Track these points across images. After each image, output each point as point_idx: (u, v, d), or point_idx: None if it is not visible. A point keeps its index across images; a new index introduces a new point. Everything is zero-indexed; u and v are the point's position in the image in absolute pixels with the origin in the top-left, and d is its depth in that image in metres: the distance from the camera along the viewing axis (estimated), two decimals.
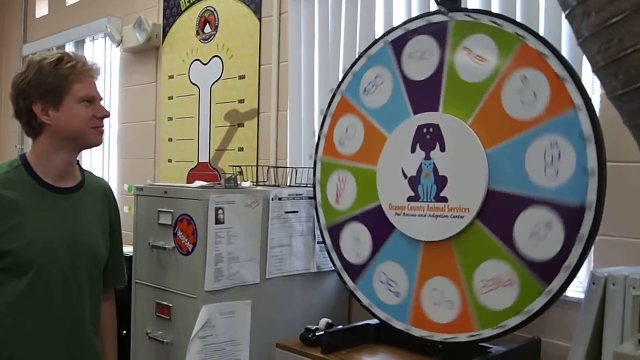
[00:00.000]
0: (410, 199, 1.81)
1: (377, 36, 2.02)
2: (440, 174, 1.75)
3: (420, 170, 1.79)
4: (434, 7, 2.11)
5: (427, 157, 1.77)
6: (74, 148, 1.73)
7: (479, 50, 1.69)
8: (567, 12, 1.06)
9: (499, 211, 1.63)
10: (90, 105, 1.69)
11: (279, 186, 2.29)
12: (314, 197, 2.11)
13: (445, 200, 1.73)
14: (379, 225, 1.89)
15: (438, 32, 1.79)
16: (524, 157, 1.59)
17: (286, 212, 2.11)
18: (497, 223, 1.64)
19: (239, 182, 2.08)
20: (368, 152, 1.94)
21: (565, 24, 1.73)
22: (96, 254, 1.75)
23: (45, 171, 1.68)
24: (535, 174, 1.57)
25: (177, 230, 1.97)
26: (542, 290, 1.54)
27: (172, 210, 2.00)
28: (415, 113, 1.82)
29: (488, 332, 1.64)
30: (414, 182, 1.81)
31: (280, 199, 2.09)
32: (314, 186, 2.12)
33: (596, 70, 1.06)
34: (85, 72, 1.69)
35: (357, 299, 1.96)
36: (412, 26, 1.87)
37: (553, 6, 1.82)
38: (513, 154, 1.61)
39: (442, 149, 1.75)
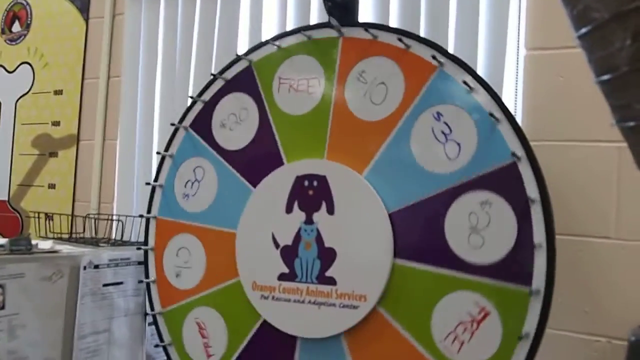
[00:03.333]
0: (282, 277, 1.30)
1: (240, 50, 1.55)
2: (326, 244, 1.26)
3: (298, 238, 1.29)
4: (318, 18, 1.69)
5: (309, 221, 1.28)
6: None
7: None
8: None
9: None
10: None
11: (97, 244, 1.67)
12: (145, 265, 1.52)
13: (332, 282, 1.24)
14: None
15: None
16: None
17: (105, 285, 1.50)
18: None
19: (33, 243, 1.43)
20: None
21: None
22: None
23: None
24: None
25: None
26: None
27: None
28: (289, 161, 1.34)
29: None
30: (288, 253, 1.30)
31: (96, 266, 1.48)
32: (146, 239, 1.53)
33: None
34: None
35: None
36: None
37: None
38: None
39: (330, 211, 1.26)
